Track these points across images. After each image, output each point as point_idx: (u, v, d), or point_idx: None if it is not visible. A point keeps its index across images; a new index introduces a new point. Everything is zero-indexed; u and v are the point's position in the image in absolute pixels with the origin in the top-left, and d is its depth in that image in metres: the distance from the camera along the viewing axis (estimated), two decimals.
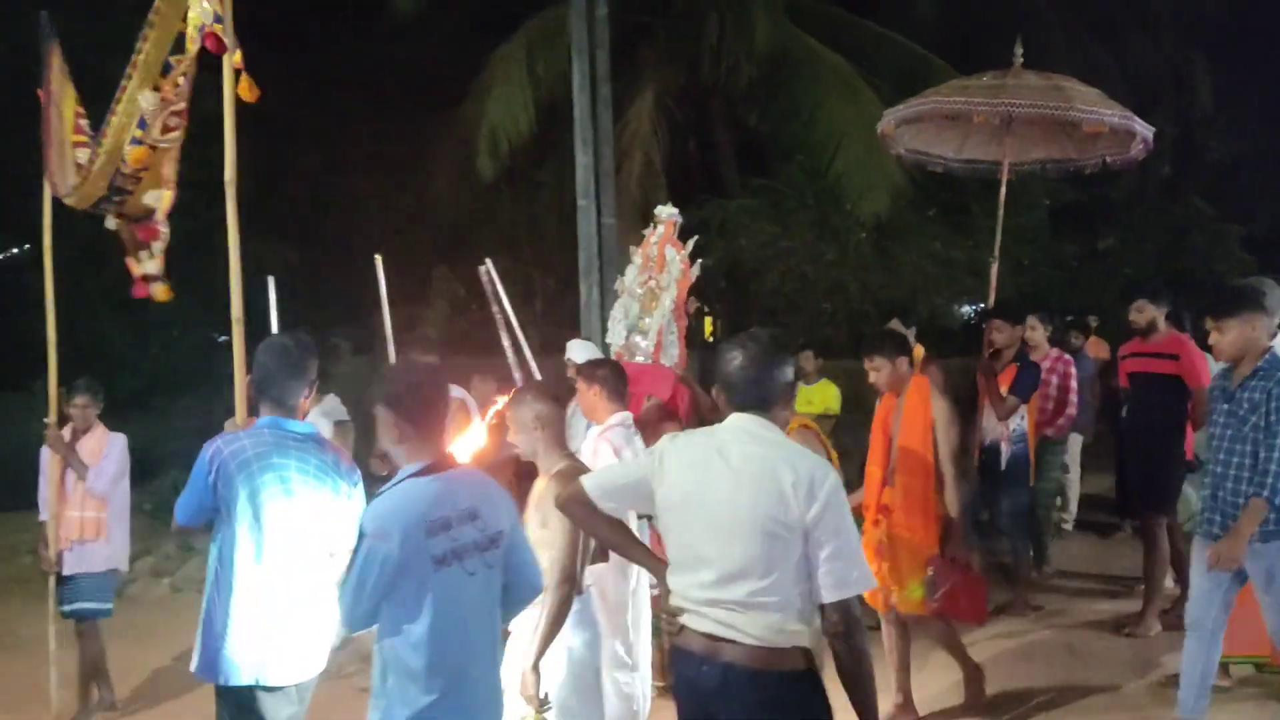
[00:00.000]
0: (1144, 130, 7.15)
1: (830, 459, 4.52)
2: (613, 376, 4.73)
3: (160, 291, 4.82)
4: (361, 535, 2.75)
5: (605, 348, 6.44)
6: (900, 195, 11.86)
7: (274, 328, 4.98)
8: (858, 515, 3.40)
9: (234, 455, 3.25)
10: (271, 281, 5.25)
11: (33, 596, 6.74)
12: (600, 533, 3.11)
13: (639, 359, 6.03)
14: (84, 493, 5.51)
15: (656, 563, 3.02)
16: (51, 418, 5.39)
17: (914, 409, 5.03)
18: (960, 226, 12.81)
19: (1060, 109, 6.83)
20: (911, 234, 12.73)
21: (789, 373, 2.84)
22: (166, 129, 4.04)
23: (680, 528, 2.78)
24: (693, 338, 6.78)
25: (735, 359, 2.80)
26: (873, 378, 5.11)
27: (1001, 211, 7.31)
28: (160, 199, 4.49)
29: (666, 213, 6.35)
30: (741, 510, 2.65)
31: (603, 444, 4.54)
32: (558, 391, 4.32)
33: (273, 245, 13.77)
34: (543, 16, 12.46)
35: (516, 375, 6.01)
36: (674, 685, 2.93)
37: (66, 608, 5.52)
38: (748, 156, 13.81)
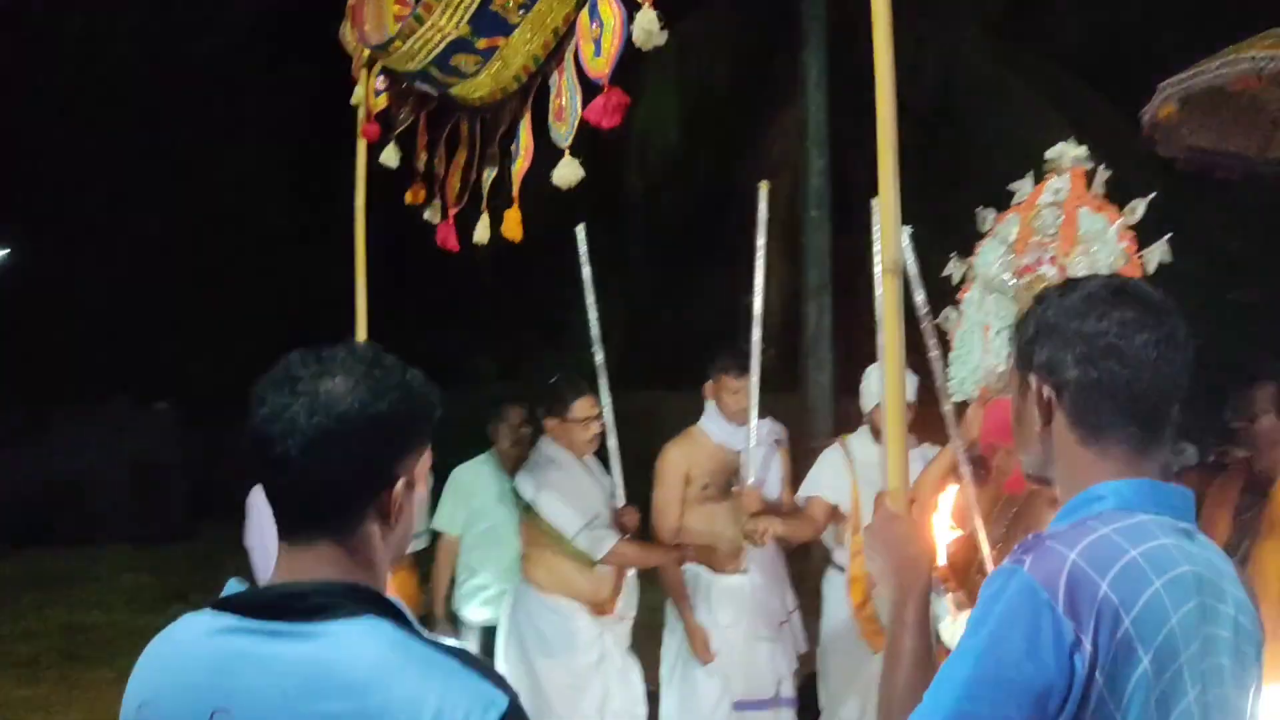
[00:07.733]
0: None
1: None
2: None
3: (511, 227, 3.08)
4: None
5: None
6: None
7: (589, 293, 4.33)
8: None
9: (1127, 597, 1.37)
10: (581, 231, 4.30)
11: None
12: None
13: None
14: None
15: None
16: None
17: None
18: None
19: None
20: None
21: None
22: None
23: None
24: None
25: None
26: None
27: None
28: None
29: (1072, 155, 3.68)
30: None
31: None
32: None
33: None
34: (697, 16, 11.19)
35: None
36: None
37: None
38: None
